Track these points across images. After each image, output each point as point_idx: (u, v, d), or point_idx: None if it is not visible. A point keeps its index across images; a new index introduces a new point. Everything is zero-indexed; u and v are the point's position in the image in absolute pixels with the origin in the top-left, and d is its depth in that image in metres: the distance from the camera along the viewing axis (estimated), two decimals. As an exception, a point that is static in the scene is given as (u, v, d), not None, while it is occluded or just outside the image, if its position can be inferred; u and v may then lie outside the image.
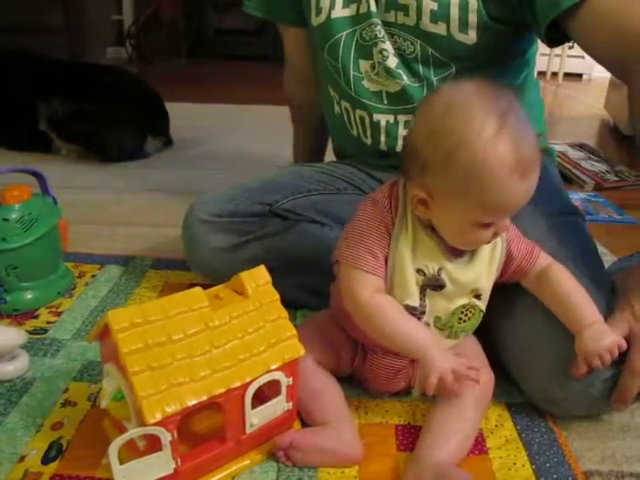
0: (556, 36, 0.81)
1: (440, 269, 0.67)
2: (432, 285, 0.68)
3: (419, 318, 0.69)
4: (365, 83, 0.96)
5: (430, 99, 0.64)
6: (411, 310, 0.68)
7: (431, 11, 0.86)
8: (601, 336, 0.66)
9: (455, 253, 0.68)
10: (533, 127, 0.62)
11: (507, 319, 0.78)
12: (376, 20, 0.91)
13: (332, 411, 0.70)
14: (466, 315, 0.71)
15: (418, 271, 0.67)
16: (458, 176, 0.60)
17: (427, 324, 0.69)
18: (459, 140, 0.59)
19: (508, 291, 0.76)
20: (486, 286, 0.71)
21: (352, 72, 0.96)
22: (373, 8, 0.90)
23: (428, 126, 0.62)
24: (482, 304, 0.72)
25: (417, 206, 0.65)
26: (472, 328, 0.73)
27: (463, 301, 0.70)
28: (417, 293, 0.68)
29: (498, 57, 0.91)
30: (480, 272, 0.70)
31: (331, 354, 0.76)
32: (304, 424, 0.72)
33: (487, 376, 0.73)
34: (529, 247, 0.73)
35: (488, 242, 0.67)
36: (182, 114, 2.20)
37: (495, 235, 0.66)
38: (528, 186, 0.61)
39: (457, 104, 0.60)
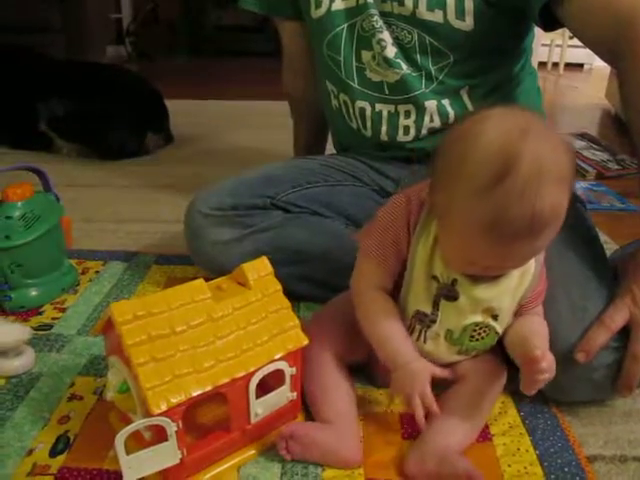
0: (550, 21, 0.81)
1: (455, 280, 0.65)
2: (445, 295, 0.66)
3: (428, 326, 0.68)
4: (368, 73, 0.96)
5: (464, 117, 0.60)
6: (421, 316, 0.67)
7: None
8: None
9: None
10: (563, 184, 0.53)
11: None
12: (373, 11, 0.91)
13: (338, 410, 0.69)
14: (479, 334, 0.68)
15: (433, 277, 0.65)
16: (442, 206, 0.59)
17: (437, 335, 0.68)
18: (451, 173, 0.57)
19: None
20: (506, 308, 0.67)
21: (355, 63, 0.96)
22: None
23: (443, 144, 0.60)
24: (498, 326, 0.68)
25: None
26: (485, 348, 0.71)
27: (476, 319, 0.67)
28: (430, 300, 0.66)
29: (495, 45, 0.91)
30: (502, 292, 0.66)
31: (349, 337, 0.74)
32: (308, 417, 0.72)
33: (498, 366, 0.72)
34: (540, 292, 0.70)
35: (482, 274, 0.64)
36: (183, 111, 2.20)
37: (489, 271, 0.63)
38: (513, 250, 0.56)
39: (471, 134, 0.56)
